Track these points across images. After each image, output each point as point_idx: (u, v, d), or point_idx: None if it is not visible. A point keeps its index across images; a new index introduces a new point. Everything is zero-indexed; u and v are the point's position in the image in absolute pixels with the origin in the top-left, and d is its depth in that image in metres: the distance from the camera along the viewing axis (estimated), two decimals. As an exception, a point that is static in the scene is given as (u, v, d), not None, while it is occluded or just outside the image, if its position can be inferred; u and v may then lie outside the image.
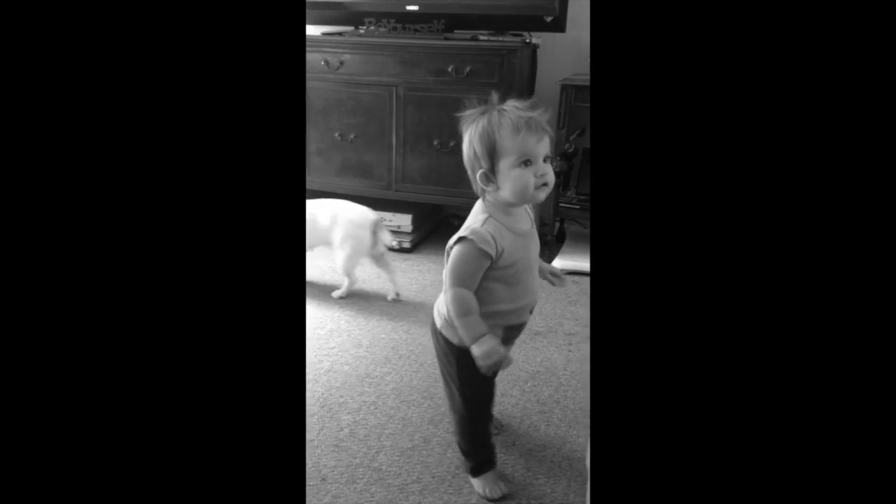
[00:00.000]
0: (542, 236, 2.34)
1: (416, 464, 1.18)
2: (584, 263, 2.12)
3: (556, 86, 2.09)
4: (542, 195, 0.96)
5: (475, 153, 0.96)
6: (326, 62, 2.12)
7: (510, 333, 1.08)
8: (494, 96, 0.98)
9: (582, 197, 2.18)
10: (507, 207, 0.99)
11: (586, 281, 2.06)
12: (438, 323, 1.07)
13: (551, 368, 1.53)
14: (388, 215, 2.19)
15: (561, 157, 2.10)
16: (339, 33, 2.22)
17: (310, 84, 2.14)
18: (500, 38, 2.07)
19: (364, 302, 1.88)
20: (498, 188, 0.96)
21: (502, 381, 1.45)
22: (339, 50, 2.11)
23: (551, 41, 2.27)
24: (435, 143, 2.09)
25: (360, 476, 1.14)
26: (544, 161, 0.95)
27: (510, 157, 0.93)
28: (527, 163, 0.93)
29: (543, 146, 0.94)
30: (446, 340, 1.05)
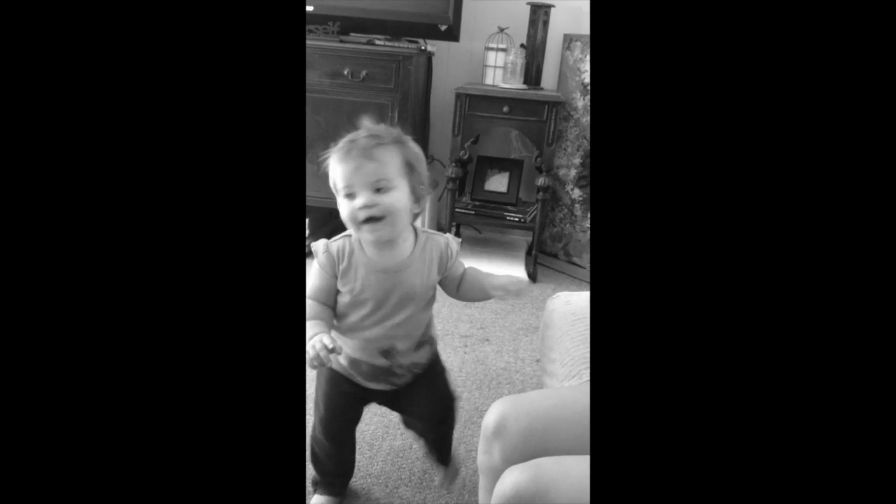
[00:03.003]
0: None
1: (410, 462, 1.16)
2: (478, 267, 2.18)
3: (451, 94, 2.14)
4: (373, 235, 0.85)
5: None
6: (214, 59, 2.02)
7: (358, 368, 0.96)
8: (365, 122, 0.90)
9: (477, 202, 2.25)
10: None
11: (481, 284, 2.11)
12: None
13: (447, 369, 1.56)
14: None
15: (456, 163, 2.15)
16: (228, 29, 2.13)
17: (196, 81, 2.03)
18: (396, 44, 2.09)
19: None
20: None
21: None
22: (229, 47, 2.02)
23: (445, 50, 2.32)
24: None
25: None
26: (378, 191, 0.83)
27: (338, 189, 0.86)
28: (351, 196, 0.84)
29: (364, 174, 0.82)
30: None
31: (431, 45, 2.22)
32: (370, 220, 0.83)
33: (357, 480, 1.15)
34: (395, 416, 1.35)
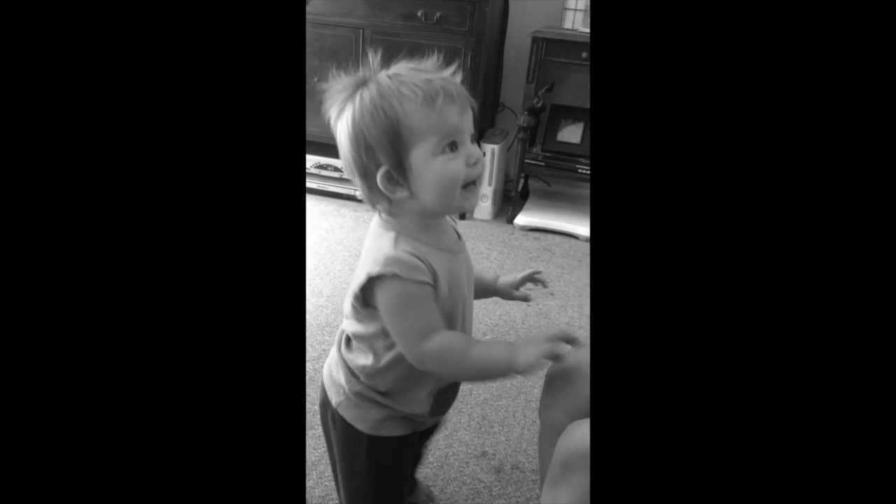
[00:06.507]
0: (505, 193, 2.36)
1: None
2: (546, 220, 2.14)
3: (527, 38, 2.05)
4: (474, 200, 0.65)
5: (365, 144, 0.62)
6: None
7: (442, 399, 0.74)
8: (372, 59, 0.66)
9: (548, 154, 2.18)
10: (423, 220, 0.66)
11: (547, 238, 2.08)
12: (334, 400, 0.74)
13: (510, 322, 1.56)
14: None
15: (528, 111, 2.08)
16: (304, -31, 2.11)
17: (272, 22, 2.04)
18: (473, -15, 2.01)
19: (325, 250, 1.86)
20: (411, 193, 0.63)
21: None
22: (304, -13, 2.01)
23: (524, -9, 2.21)
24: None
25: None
26: (473, 142, 0.65)
27: (427, 142, 0.61)
28: (452, 146, 0.62)
29: (468, 121, 0.64)
30: (347, 425, 0.73)
31: (509, -14, 2.13)
32: (474, 183, 0.65)
33: (417, 421, 1.18)
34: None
